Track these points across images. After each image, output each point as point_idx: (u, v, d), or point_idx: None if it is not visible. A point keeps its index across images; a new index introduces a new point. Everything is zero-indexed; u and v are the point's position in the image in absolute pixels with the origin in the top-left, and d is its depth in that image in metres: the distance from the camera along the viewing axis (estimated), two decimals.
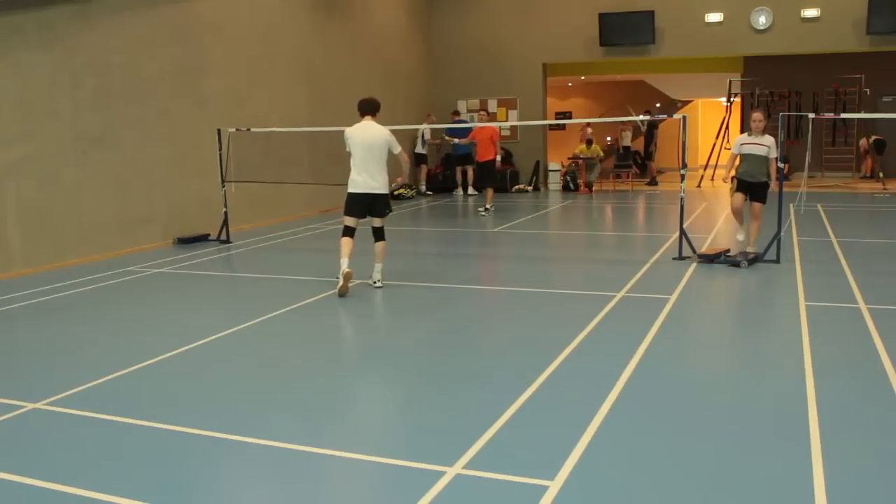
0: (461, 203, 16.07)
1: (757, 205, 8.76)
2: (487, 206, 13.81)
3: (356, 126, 7.52)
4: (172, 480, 3.57)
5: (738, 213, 8.99)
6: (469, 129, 15.62)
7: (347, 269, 7.14)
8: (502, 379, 4.86)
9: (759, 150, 8.58)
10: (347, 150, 7.50)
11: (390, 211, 7.54)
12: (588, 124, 18.54)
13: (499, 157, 14.03)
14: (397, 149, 7.52)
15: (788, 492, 3.33)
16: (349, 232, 7.38)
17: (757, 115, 8.68)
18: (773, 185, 8.55)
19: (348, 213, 7.46)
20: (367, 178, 7.33)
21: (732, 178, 8.95)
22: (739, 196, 8.79)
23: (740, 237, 9.15)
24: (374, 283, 7.54)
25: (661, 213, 13.99)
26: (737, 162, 8.93)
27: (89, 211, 9.59)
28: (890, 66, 17.70)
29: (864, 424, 4.08)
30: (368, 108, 7.64)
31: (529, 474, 3.49)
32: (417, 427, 4.18)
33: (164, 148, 10.70)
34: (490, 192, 13.93)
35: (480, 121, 15.38)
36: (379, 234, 7.52)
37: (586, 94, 26.07)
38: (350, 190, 7.43)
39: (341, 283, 7.14)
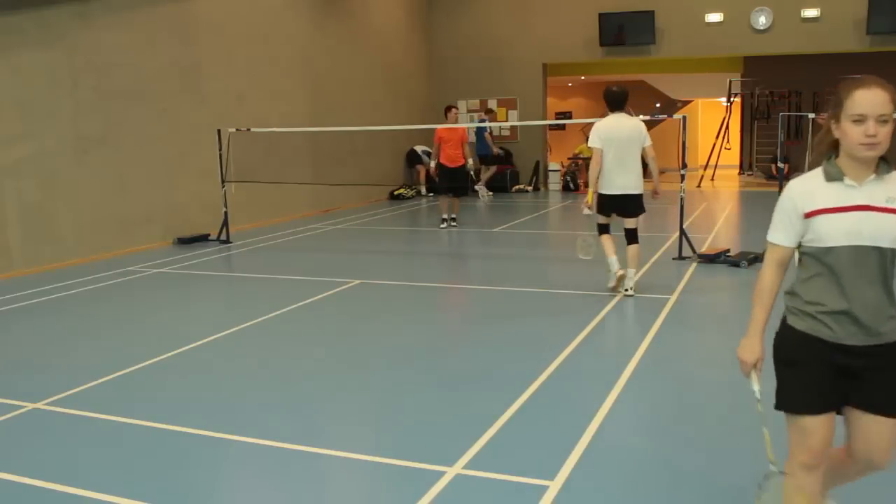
0: (466, 204, 16.04)
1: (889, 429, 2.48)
2: (454, 215, 12.11)
3: None
4: (172, 480, 3.57)
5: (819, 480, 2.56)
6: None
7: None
8: (502, 379, 4.86)
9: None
10: None
11: None
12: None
13: (470, 161, 11.91)
14: None
15: None
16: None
17: (881, 99, 2.32)
18: None
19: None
20: None
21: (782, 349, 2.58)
22: (822, 425, 2.47)
23: None
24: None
25: (661, 213, 13.99)
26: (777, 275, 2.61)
27: (89, 211, 9.59)
28: (890, 66, 17.65)
29: None
30: None
31: (529, 474, 3.49)
32: (417, 427, 4.18)
33: (164, 148, 10.70)
34: (457, 201, 12.28)
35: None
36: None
37: (586, 94, 26.07)
38: None
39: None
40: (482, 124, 16.67)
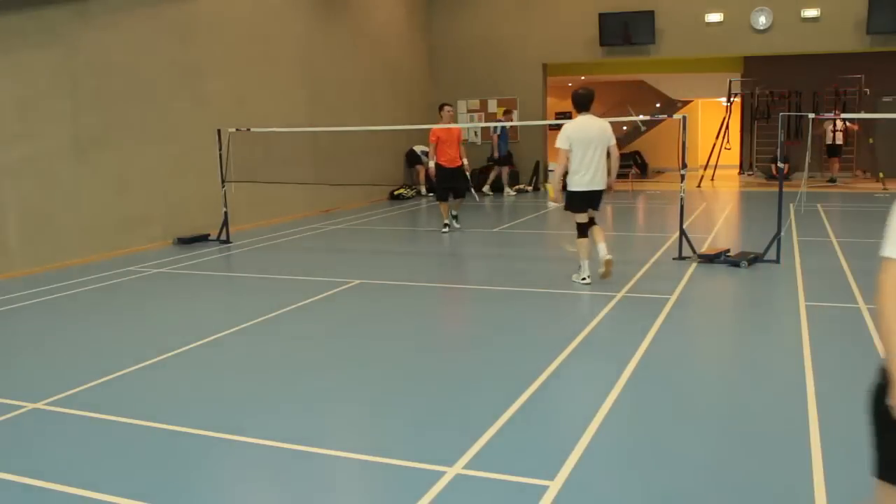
0: (467, 204, 16.04)
1: None
2: (455, 212, 11.81)
3: None
4: (172, 480, 3.57)
5: None
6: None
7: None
8: (502, 379, 4.86)
9: None
10: None
11: None
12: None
13: (465, 161, 11.58)
14: None
15: (788, 492, 3.33)
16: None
17: None
18: None
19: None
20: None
21: None
22: None
23: None
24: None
25: (661, 213, 13.99)
26: None
27: (89, 211, 9.59)
28: (890, 66, 17.69)
29: (863, 425, 4.07)
30: None
31: (529, 474, 3.49)
32: (417, 427, 4.18)
33: (164, 148, 10.70)
34: (458, 200, 11.95)
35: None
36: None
37: None
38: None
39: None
40: (499, 123, 16.65)
